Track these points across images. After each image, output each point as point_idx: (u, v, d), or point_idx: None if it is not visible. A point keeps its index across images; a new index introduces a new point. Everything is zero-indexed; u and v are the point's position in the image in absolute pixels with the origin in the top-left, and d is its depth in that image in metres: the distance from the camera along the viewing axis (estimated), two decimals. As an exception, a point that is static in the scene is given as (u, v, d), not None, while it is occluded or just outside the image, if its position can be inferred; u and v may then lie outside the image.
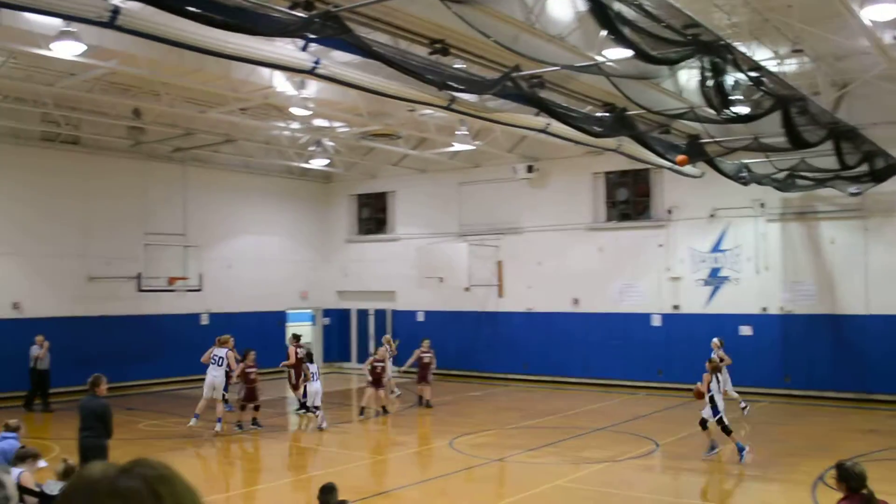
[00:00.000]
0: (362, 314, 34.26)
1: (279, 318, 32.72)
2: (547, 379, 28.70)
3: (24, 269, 25.73)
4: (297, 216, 33.87)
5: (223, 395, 19.61)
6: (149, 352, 27.60)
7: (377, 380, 21.77)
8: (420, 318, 31.95)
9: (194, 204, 29.29)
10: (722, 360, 19.72)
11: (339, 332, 34.93)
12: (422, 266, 29.44)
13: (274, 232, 32.93)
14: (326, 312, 34.97)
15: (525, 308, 29.44)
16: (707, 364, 16.71)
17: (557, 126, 18.21)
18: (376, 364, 21.92)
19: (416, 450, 18.40)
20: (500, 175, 29.87)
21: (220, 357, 19.90)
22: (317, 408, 19.90)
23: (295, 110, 21.31)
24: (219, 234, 30.77)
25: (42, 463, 10.43)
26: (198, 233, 29.12)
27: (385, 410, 21.99)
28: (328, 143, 28.66)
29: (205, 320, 29.98)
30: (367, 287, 33.76)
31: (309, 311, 35.01)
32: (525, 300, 29.45)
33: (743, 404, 21.29)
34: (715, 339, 22.14)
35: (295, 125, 24.95)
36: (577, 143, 20.56)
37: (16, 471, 9.87)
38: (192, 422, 19.34)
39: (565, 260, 28.60)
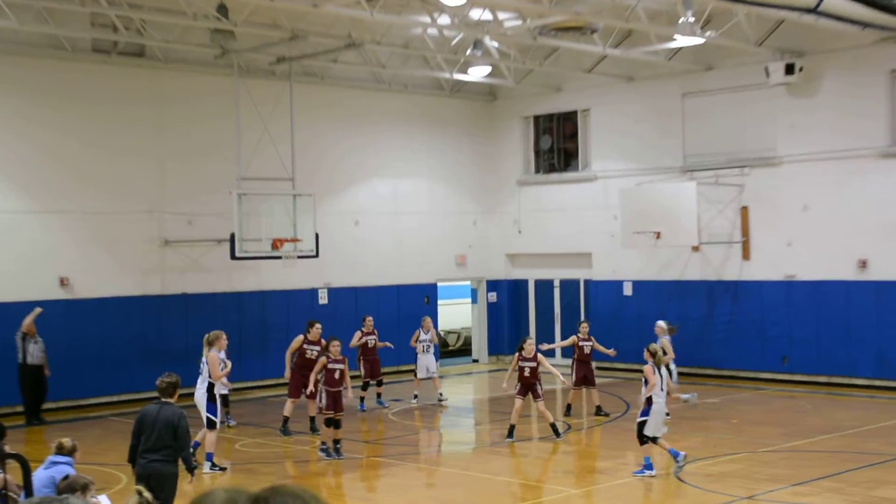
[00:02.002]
0: (543, 287, 34.45)
1: (426, 294, 33.17)
2: (820, 380, 28.44)
3: (74, 232, 26.35)
4: (450, 150, 34.15)
5: (209, 418, 19.22)
6: (247, 344, 28.09)
7: (528, 386, 21.57)
8: (627, 290, 31.89)
9: (306, 136, 29.25)
10: (664, 352, 20.99)
11: (510, 312, 35.16)
12: (629, 216, 29.20)
13: (417, 173, 33.30)
14: (492, 285, 35.24)
15: (783, 275, 28.93)
16: (646, 353, 18.31)
17: (834, 1, 16.86)
18: (524, 364, 21.59)
19: (624, 480, 18.38)
20: (745, 80, 29.20)
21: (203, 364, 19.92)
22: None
23: (444, -2, 21.58)
24: (340, 179, 31.22)
25: (100, 498, 10.99)
26: (311, 177, 29.07)
27: (557, 432, 21.73)
28: (492, 43, 28.53)
29: (323, 298, 30.60)
30: (549, 248, 33.82)
31: (467, 283, 35.47)
32: (783, 263, 28.92)
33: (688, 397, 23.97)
34: (660, 323, 24.08)
35: (444, 20, 25.24)
36: (864, 25, 19.27)
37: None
38: (207, 468, 18.67)
39: (846, 203, 27.97)
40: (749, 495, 16.27)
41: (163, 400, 13.05)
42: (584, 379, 23.90)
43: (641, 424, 17.86)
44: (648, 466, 17.80)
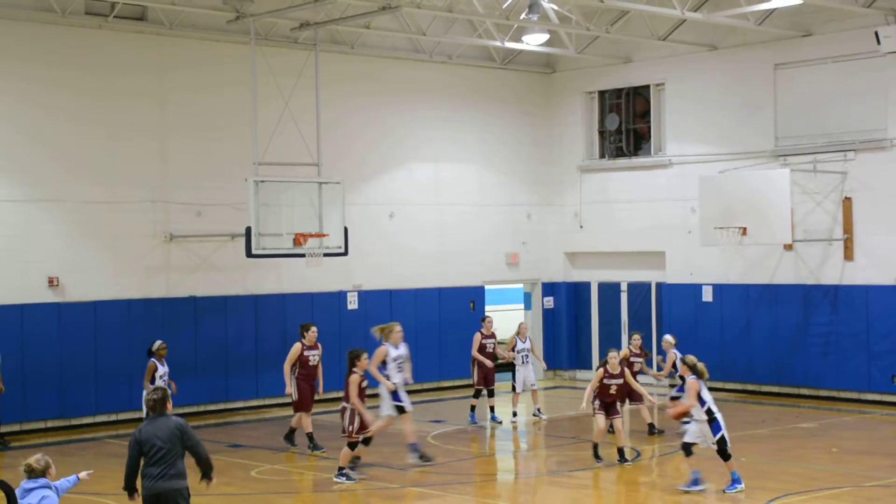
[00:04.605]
0: (608, 291, 34.41)
1: (471, 299, 33.26)
2: (938, 404, 28.41)
3: (64, 225, 26.44)
4: (500, 131, 34.25)
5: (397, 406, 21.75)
6: (265, 355, 28.21)
7: (610, 404, 21.96)
8: (706, 296, 31.67)
9: (333, 114, 29.29)
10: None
11: (570, 320, 35.19)
12: (710, 209, 28.95)
13: (462, 157, 33.38)
14: (549, 289, 35.25)
15: (893, 279, 28.66)
16: (683, 367, 19.15)
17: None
18: (609, 382, 21.83)
19: None
20: (850, 47, 28.86)
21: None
22: None
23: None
24: (373, 164, 31.37)
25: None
26: (339, 162, 29.11)
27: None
28: (550, 6, 28.45)
29: (353, 302, 30.67)
30: (615, 246, 33.88)
31: (520, 286, 35.56)
32: (893, 265, 28.64)
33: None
34: (668, 337, 25.44)
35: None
36: None
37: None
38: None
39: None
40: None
41: (157, 412, 13.32)
42: (630, 396, 23.70)
43: (723, 440, 18.69)
44: (737, 481, 18.65)
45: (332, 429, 23.44)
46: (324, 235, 27.04)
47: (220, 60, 28.32)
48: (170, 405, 13.42)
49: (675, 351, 24.56)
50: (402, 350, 21.95)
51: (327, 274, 29.09)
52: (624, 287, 33.78)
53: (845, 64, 29.03)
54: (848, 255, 28.97)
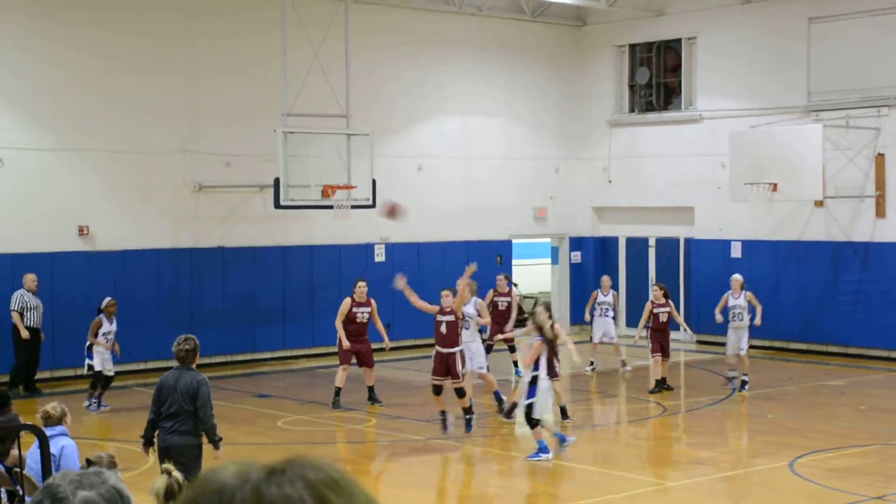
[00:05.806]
0: (636, 246, 34.51)
1: (498, 252, 33.28)
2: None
3: (94, 174, 26.52)
4: (530, 84, 34.04)
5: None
6: (293, 306, 28.38)
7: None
8: (735, 252, 31.66)
9: (362, 65, 29.14)
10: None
11: (597, 275, 34.39)
12: (740, 165, 28.91)
13: (490, 110, 33.27)
14: (576, 243, 35.33)
15: None
16: (532, 325, 18.72)
17: None
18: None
19: (730, 473, 18.55)
20: (886, 1, 28.54)
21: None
22: None
23: None
24: (401, 116, 31.34)
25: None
26: (368, 113, 28.94)
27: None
28: None
29: (380, 254, 30.86)
30: (644, 201, 33.80)
31: (547, 240, 35.64)
32: None
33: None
34: (737, 277, 25.45)
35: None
36: None
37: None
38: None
39: None
40: (879, 495, 16.18)
41: (183, 364, 13.83)
42: (661, 349, 24.19)
43: (529, 406, 18.12)
44: (543, 450, 18.16)
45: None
46: (352, 187, 27.12)
47: (248, 10, 28.36)
48: (196, 357, 13.85)
49: (746, 292, 24.96)
50: (469, 308, 21.72)
51: (355, 226, 29.29)
52: (652, 242, 33.86)
53: (880, 18, 28.76)
54: (880, 211, 28.92)
